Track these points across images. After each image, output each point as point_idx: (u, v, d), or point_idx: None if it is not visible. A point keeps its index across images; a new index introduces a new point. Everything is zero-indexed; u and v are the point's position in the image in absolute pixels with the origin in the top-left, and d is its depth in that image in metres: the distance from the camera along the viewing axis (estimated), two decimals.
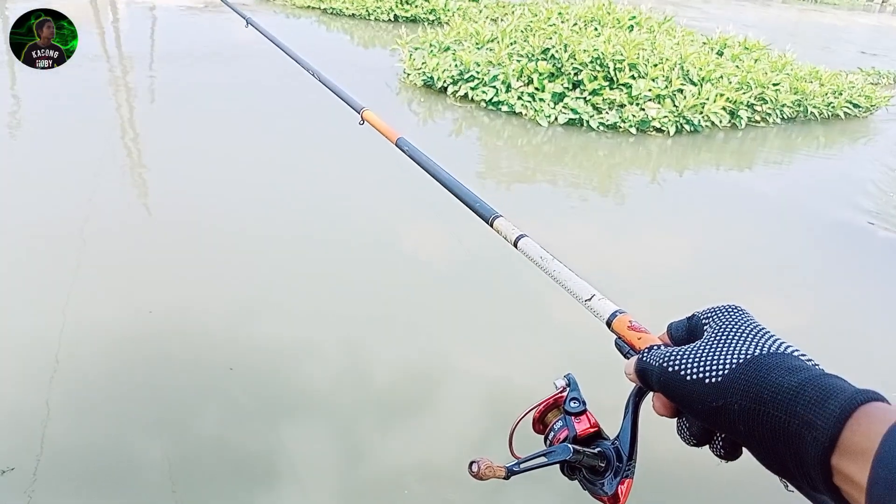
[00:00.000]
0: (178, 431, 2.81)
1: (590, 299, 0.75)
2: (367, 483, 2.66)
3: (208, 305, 3.63)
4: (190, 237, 4.36)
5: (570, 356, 3.43)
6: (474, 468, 0.65)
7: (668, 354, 0.60)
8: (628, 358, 0.68)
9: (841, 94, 8.54)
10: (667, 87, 7.45)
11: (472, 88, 7.72)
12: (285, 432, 2.84)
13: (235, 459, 2.70)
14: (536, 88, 7.49)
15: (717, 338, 0.59)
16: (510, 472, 0.67)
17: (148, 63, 8.57)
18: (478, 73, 7.78)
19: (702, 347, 0.59)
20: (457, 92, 7.82)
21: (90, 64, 8.06)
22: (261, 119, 6.69)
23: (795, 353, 0.55)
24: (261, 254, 4.22)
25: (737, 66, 8.33)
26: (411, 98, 8.10)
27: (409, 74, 8.37)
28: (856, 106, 8.60)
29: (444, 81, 7.95)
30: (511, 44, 8.12)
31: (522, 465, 0.68)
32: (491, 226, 0.94)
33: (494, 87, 7.60)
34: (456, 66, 7.98)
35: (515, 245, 0.88)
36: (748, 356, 0.55)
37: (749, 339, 0.57)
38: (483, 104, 7.60)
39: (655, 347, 0.64)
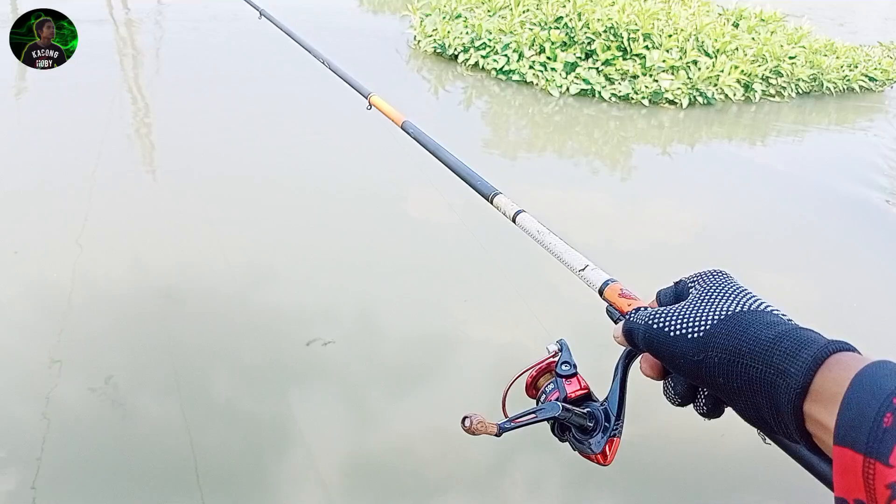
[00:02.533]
0: (188, 394, 2.85)
1: (583, 269, 0.78)
2: (376, 447, 2.70)
3: (217, 269, 3.66)
4: (198, 200, 4.37)
5: (579, 322, 3.44)
6: (467, 423, 0.66)
7: (653, 313, 0.63)
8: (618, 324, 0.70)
9: (856, 66, 8.40)
10: (681, 58, 7.35)
11: (484, 57, 7.65)
12: (295, 396, 2.88)
13: (246, 422, 2.74)
14: (548, 57, 7.40)
15: (701, 298, 0.62)
16: (501, 430, 0.69)
17: (154, 24, 8.52)
18: (489, 40, 7.69)
19: (685, 306, 0.62)
20: (468, 60, 7.74)
21: (96, 27, 8.02)
22: (268, 88, 6.65)
23: (774, 312, 0.58)
24: (270, 219, 4.24)
25: (752, 39, 8.20)
26: (421, 66, 8.03)
27: (419, 41, 8.29)
28: (871, 79, 8.46)
29: (455, 49, 7.87)
30: (524, 11, 8.01)
31: (514, 423, 0.70)
32: (491, 202, 0.98)
33: (506, 55, 7.51)
34: (467, 33, 7.89)
35: (514, 220, 0.92)
36: (728, 313, 0.58)
37: (730, 298, 0.60)
38: (494, 73, 7.53)
39: (642, 309, 0.67)
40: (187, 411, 2.76)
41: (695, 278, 0.66)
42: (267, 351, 3.14)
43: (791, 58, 8.02)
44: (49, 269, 3.53)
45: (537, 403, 0.77)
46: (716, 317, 0.58)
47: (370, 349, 3.22)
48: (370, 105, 1.42)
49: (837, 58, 8.41)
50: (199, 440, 2.63)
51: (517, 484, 2.58)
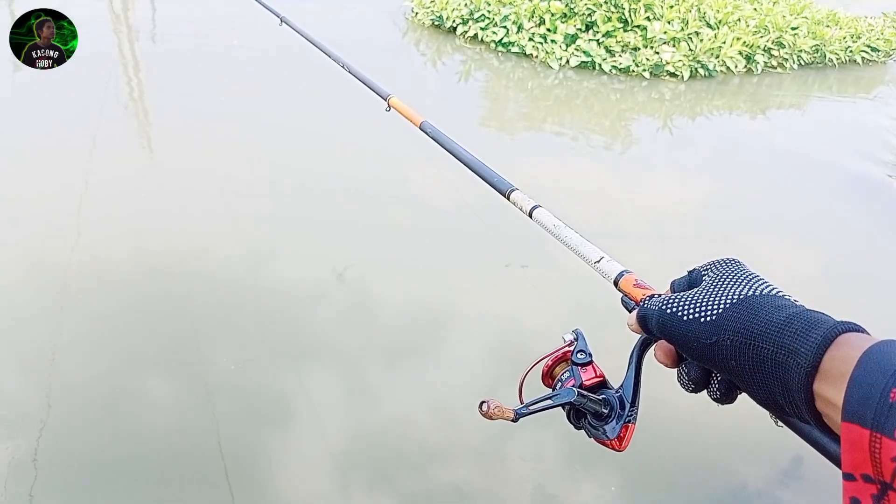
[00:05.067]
0: (189, 373, 2.85)
1: (598, 261, 0.81)
2: (378, 422, 2.71)
3: (216, 248, 3.64)
4: (197, 179, 4.34)
5: (576, 300, 3.44)
6: (484, 408, 0.67)
7: (666, 299, 0.64)
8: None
9: (859, 37, 8.31)
10: (682, 29, 7.27)
11: (483, 29, 7.56)
12: (296, 374, 2.88)
13: (248, 400, 2.75)
14: (548, 29, 7.31)
15: (713, 283, 0.63)
16: (518, 415, 0.70)
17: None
18: (488, 12, 7.60)
19: (698, 292, 0.63)
20: (466, 32, 7.65)
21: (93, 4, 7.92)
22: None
23: (786, 297, 0.59)
24: (269, 198, 4.21)
25: (755, 9, 8.10)
26: (419, 38, 7.94)
27: (416, 13, 8.19)
28: (874, 50, 8.38)
29: (454, 21, 7.77)
30: None
31: (530, 408, 0.71)
32: (508, 198, 1.01)
33: (505, 27, 7.43)
34: (466, 5, 7.79)
35: (530, 215, 0.95)
36: (740, 297, 0.59)
37: (742, 283, 0.61)
38: (493, 45, 7.44)
39: (656, 296, 0.68)
40: (186, 391, 2.76)
41: (707, 266, 0.67)
42: (269, 326, 3.14)
43: (793, 29, 7.93)
44: (48, 251, 3.51)
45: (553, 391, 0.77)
46: (728, 301, 0.59)
47: (376, 325, 3.22)
48: (389, 107, 1.45)
49: (840, 28, 8.32)
50: (201, 417, 2.64)
51: (518, 454, 2.60)
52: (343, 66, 1.67)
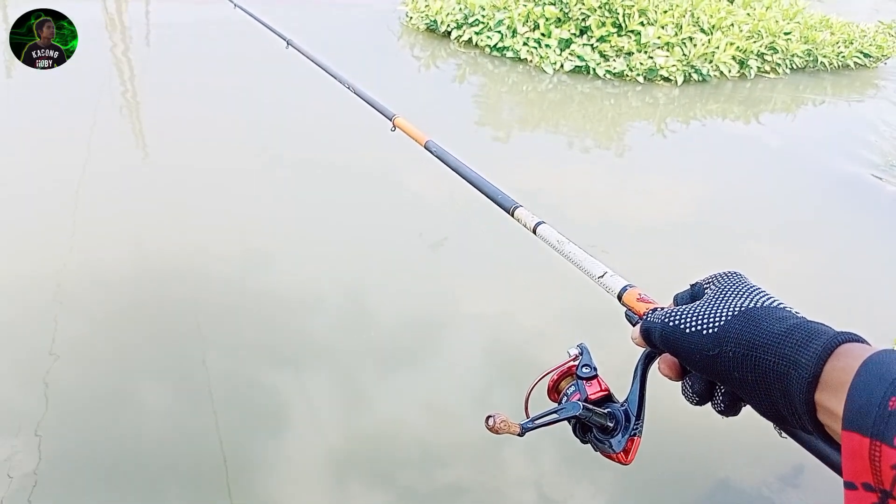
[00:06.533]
0: (183, 375, 2.84)
1: (602, 276, 0.81)
2: (375, 423, 2.71)
3: (211, 250, 3.63)
4: (190, 181, 4.33)
5: (570, 303, 3.44)
6: (490, 422, 0.67)
7: (669, 312, 0.65)
8: None
9: (852, 43, 8.36)
10: (676, 34, 7.30)
11: (477, 33, 7.56)
12: (294, 376, 2.88)
13: (242, 403, 2.74)
14: (543, 34, 7.33)
15: (715, 296, 0.63)
16: (524, 429, 0.70)
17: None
18: (483, 17, 7.61)
19: (700, 305, 0.63)
20: (461, 37, 7.66)
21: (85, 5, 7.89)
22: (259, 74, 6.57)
23: (787, 308, 0.59)
24: (266, 201, 4.20)
25: (748, 14, 8.14)
26: (413, 42, 7.94)
27: (411, 18, 8.19)
28: (866, 55, 8.44)
29: (448, 25, 7.78)
30: None
31: (536, 422, 0.72)
32: (512, 215, 1.01)
33: (500, 31, 7.44)
34: (460, 9, 7.80)
35: (534, 231, 0.94)
36: (742, 309, 0.60)
37: (744, 295, 0.61)
38: (487, 50, 7.45)
39: (659, 309, 0.68)
40: (181, 392, 2.75)
41: (709, 279, 0.67)
42: (267, 328, 3.13)
43: (786, 34, 7.98)
44: (44, 252, 3.49)
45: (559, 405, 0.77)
46: (730, 313, 0.59)
47: (373, 328, 3.22)
48: (394, 126, 1.46)
49: (832, 33, 8.37)
50: (195, 419, 2.62)
51: (515, 456, 2.60)
52: (349, 88, 1.68)
